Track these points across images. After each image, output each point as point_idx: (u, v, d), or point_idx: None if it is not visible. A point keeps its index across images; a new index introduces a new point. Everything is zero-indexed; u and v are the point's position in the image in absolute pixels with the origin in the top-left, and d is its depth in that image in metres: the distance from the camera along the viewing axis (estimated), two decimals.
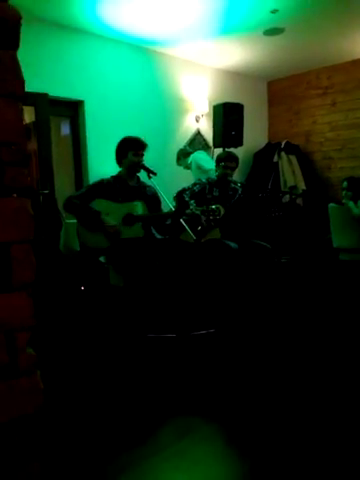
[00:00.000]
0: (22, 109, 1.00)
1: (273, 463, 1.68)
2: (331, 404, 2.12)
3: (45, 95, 4.05)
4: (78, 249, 3.80)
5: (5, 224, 0.97)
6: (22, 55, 3.41)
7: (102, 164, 4.22)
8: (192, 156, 4.64)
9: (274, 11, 4.11)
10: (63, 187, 4.61)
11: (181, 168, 4.81)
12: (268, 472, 1.63)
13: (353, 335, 3.05)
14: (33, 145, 4.35)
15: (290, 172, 5.63)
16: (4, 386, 0.97)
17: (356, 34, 4.80)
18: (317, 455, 1.72)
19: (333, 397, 2.18)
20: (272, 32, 4.60)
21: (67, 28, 4.23)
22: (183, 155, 4.75)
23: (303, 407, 2.09)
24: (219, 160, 3.59)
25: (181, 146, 5.05)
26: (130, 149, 3.03)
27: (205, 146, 5.40)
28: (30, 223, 1.00)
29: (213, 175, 3.76)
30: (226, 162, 3.53)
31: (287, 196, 5.15)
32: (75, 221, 3.14)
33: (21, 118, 0.99)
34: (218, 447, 1.84)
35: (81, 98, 4.45)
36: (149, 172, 3.01)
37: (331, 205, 4.01)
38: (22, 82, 0.99)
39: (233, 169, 3.60)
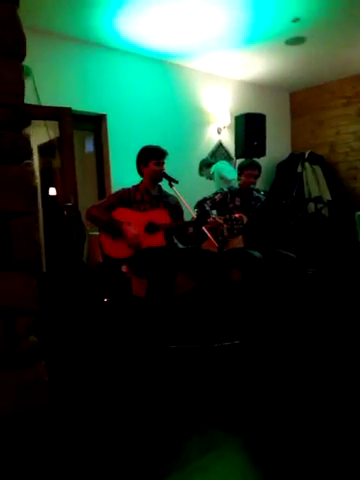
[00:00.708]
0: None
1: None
2: None
3: (69, 109, 4.12)
4: (101, 260, 3.80)
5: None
6: (46, 71, 3.50)
7: (125, 176, 4.22)
8: (214, 166, 4.62)
9: (295, 20, 4.09)
10: (87, 201, 4.65)
11: (203, 179, 4.79)
12: None
13: None
14: (57, 162, 4.42)
15: (314, 182, 5.54)
16: (2, 376, 0.87)
17: None
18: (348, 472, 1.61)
19: None
20: (294, 41, 4.58)
21: (89, 43, 4.33)
22: (205, 165, 4.74)
23: (331, 423, 1.98)
24: (241, 168, 3.55)
25: (203, 158, 5.03)
26: (151, 158, 3.03)
27: (227, 157, 5.38)
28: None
29: (236, 185, 3.71)
30: (249, 170, 3.49)
31: (312, 205, 5.04)
32: (98, 233, 3.14)
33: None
34: (242, 464, 1.75)
35: (104, 112, 4.52)
36: (171, 180, 2.99)
37: (358, 213, 3.90)
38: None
39: (256, 177, 3.55)
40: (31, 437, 0.91)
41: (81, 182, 4.49)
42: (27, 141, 0.92)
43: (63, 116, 4.06)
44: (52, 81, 4.07)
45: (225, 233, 3.05)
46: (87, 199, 4.67)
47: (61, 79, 4.13)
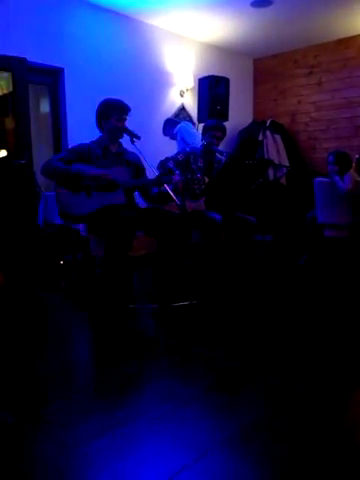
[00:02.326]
0: None
1: (259, 426, 1.62)
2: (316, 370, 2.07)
3: (23, 60, 3.85)
4: (58, 221, 3.67)
5: None
6: None
7: (82, 134, 4.05)
8: (179, 126, 4.52)
9: None
10: (41, 160, 4.43)
11: (166, 140, 4.69)
12: (253, 434, 1.56)
13: (333, 307, 3.02)
14: (10, 121, 4.14)
15: (275, 151, 5.57)
16: None
17: (342, 13, 4.73)
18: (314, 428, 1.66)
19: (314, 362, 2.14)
20: (260, 3, 4.48)
21: None
22: (170, 124, 4.64)
23: (292, 375, 2.04)
24: (206, 128, 3.47)
25: (165, 119, 4.91)
26: (113, 112, 2.90)
27: (190, 121, 5.27)
28: None
29: (198, 146, 3.65)
30: (213, 131, 3.43)
31: (271, 173, 5.10)
32: (53, 193, 2.99)
33: None
34: (201, 411, 1.77)
35: (61, 65, 4.27)
36: (133, 136, 2.89)
37: (317, 180, 3.96)
38: None
39: (220, 139, 3.50)
40: None
41: (35, 144, 4.25)
42: None
43: (17, 67, 3.80)
44: (4, 28, 3.78)
45: (188, 191, 3.00)
46: (41, 158, 4.45)
47: (14, 26, 3.84)
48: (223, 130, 3.51)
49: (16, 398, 1.83)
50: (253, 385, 1.93)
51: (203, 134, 3.50)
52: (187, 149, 3.55)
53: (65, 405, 1.77)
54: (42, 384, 1.96)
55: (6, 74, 3.96)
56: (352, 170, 3.87)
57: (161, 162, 3.42)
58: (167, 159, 3.42)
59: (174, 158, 3.42)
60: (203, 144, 3.46)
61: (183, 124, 4.58)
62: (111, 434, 1.55)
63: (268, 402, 1.78)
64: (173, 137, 4.58)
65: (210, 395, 1.86)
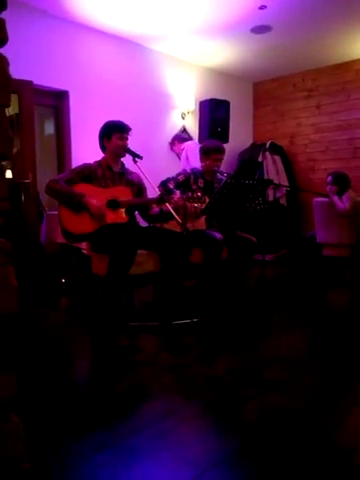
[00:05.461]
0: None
1: (259, 445, 1.62)
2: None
3: (30, 83, 3.98)
4: (59, 240, 3.71)
5: None
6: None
7: (86, 155, 4.14)
8: (186, 144, 4.58)
9: (262, 7, 4.13)
10: (45, 180, 4.51)
11: (168, 161, 4.77)
12: (253, 453, 1.57)
13: (328, 324, 3.03)
14: (16, 142, 4.24)
15: (274, 172, 5.65)
16: None
17: (338, 39, 4.89)
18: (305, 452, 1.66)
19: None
20: (259, 30, 4.63)
21: (53, 16, 4.19)
22: (178, 140, 4.70)
23: (293, 393, 2.04)
24: (207, 152, 3.52)
25: (166, 141, 5.01)
26: (115, 132, 2.98)
27: None
28: None
29: (198, 166, 3.71)
30: (216, 154, 3.49)
31: (271, 193, 5.17)
32: (57, 212, 3.05)
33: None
34: (201, 428, 1.77)
35: (66, 88, 4.39)
36: (134, 156, 2.95)
37: (316, 200, 4.01)
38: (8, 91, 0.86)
39: (221, 161, 3.57)
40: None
41: (40, 164, 4.35)
42: None
43: (23, 89, 3.91)
44: (11, 52, 3.90)
45: (189, 210, 3.03)
46: (46, 178, 4.53)
47: (23, 51, 3.97)
48: (223, 151, 3.58)
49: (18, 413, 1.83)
50: (254, 403, 1.93)
51: (204, 157, 3.53)
52: (187, 169, 3.61)
53: (66, 421, 1.77)
54: (43, 400, 1.97)
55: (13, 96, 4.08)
56: (350, 190, 3.92)
57: (162, 182, 3.49)
58: (168, 179, 3.49)
59: (175, 178, 3.49)
60: (204, 166, 3.53)
61: (191, 143, 4.64)
62: (111, 450, 1.56)
63: (268, 420, 1.78)
64: (179, 153, 4.63)
65: (210, 412, 1.86)
